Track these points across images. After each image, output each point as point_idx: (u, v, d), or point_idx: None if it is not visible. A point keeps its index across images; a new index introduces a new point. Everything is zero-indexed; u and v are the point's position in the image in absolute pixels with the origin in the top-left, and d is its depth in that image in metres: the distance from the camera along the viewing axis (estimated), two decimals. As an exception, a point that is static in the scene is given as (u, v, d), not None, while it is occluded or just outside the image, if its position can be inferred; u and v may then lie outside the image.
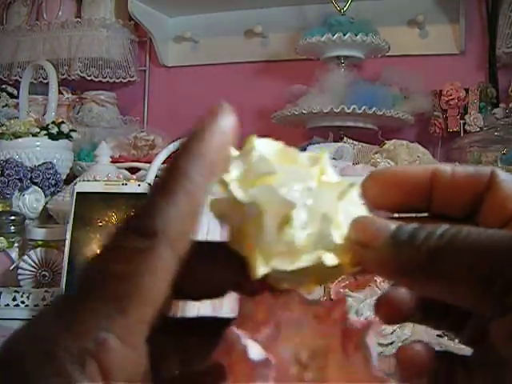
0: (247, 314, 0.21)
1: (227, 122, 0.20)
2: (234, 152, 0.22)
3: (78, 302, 0.18)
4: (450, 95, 1.48)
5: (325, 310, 0.22)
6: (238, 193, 0.21)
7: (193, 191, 0.19)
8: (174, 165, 0.20)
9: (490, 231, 0.20)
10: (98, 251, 0.19)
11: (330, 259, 0.21)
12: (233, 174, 0.21)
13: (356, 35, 1.44)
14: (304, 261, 0.21)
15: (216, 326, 0.22)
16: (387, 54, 1.53)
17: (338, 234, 0.22)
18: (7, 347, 0.18)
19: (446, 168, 0.24)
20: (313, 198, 0.22)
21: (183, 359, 0.23)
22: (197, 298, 0.23)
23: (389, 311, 0.25)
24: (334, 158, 1.22)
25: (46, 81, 1.63)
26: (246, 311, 0.21)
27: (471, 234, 0.20)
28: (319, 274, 0.22)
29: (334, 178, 0.23)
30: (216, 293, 0.23)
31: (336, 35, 1.44)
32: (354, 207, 0.23)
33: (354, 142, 1.36)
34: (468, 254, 0.20)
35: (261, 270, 0.20)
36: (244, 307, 0.22)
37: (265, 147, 0.22)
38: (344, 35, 1.43)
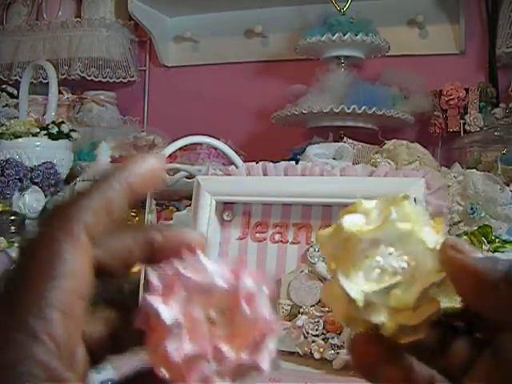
0: (157, 281, 0.24)
1: (152, 160, 0.26)
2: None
3: (19, 288, 0.22)
4: (450, 95, 1.48)
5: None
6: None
7: (107, 191, 0.24)
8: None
9: None
10: (30, 237, 0.23)
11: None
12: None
13: (356, 35, 1.44)
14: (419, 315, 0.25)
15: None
16: (387, 53, 1.53)
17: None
18: None
19: None
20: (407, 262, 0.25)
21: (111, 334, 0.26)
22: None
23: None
24: (334, 158, 1.22)
25: (46, 81, 1.63)
26: (156, 279, 0.24)
27: None
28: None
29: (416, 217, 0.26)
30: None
31: (336, 35, 1.44)
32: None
33: (354, 142, 1.36)
34: None
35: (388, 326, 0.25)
36: (154, 275, 0.24)
37: (352, 224, 0.26)
38: (344, 35, 1.43)
